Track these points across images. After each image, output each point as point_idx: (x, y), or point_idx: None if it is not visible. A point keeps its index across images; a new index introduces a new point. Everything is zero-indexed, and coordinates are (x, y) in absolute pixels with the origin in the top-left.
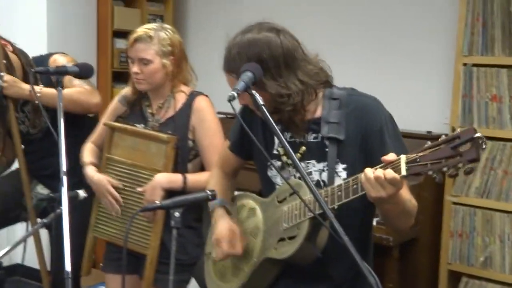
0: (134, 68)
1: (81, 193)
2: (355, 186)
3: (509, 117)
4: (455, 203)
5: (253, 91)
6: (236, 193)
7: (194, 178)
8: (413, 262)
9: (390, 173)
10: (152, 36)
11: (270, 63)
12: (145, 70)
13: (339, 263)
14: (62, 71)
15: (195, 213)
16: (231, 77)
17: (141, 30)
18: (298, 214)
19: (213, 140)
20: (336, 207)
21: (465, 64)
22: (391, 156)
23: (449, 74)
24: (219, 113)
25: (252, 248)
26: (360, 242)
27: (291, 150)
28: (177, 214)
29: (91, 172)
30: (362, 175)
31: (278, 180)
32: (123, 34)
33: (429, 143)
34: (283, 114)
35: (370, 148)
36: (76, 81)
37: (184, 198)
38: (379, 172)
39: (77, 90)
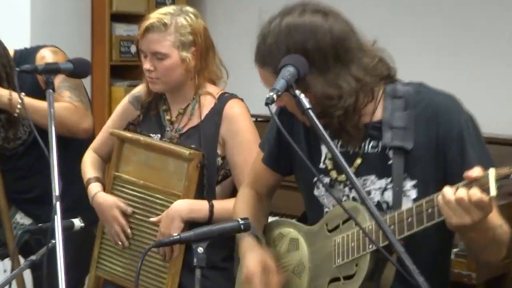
0: (147, 65)
1: (77, 222)
2: (430, 211)
3: None
4: None
5: (297, 91)
6: (270, 219)
7: (223, 206)
8: None
9: (476, 194)
10: (167, 24)
11: (315, 55)
12: (160, 66)
13: None
14: (53, 69)
15: (224, 249)
16: (265, 72)
17: (154, 16)
18: (356, 247)
19: (249, 156)
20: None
21: None
22: (476, 171)
23: None
24: None
25: None
26: (434, 281)
27: (344, 162)
28: (200, 249)
29: (96, 191)
30: (439, 197)
31: (328, 201)
32: (123, 17)
33: None
34: (332, 120)
35: (447, 159)
36: (66, 93)
37: (209, 229)
38: (462, 192)
39: (64, 106)
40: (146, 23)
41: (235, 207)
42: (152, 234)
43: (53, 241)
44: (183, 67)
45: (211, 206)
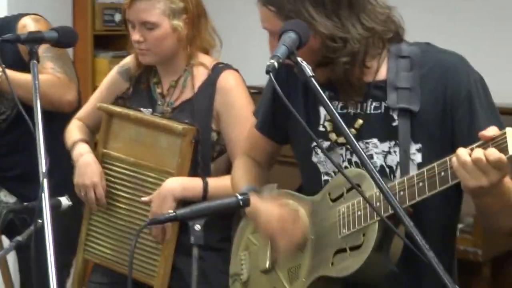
0: (136, 36)
1: (64, 200)
2: (443, 174)
3: None
4: None
5: (299, 59)
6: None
7: (218, 183)
8: (509, 282)
9: (494, 153)
10: None
11: None
12: (150, 36)
13: (417, 280)
14: (37, 38)
15: (221, 230)
16: (267, 11)
17: None
18: (363, 216)
19: (245, 130)
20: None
21: None
22: (492, 131)
23: None
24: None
25: (298, 264)
26: (440, 257)
27: (343, 124)
28: (197, 227)
29: (86, 150)
30: (453, 159)
31: (329, 166)
32: None
33: None
34: (336, 68)
35: (455, 120)
36: (49, 64)
37: (206, 205)
38: (479, 153)
39: (46, 78)
40: None
41: (233, 176)
42: (144, 214)
43: (40, 221)
44: (174, 37)
45: (205, 184)
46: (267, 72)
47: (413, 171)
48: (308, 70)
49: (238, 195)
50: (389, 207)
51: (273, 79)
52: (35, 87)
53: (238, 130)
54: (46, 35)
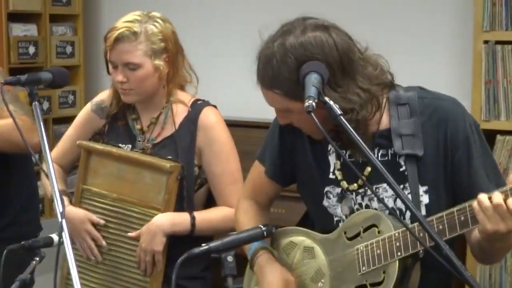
0: (119, 76)
1: (55, 237)
2: (462, 218)
3: None
4: None
5: (326, 98)
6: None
7: (204, 217)
8: None
9: None
10: (137, 32)
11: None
12: (133, 77)
13: None
14: (35, 80)
15: (203, 261)
16: (273, 94)
17: (121, 25)
18: (383, 254)
19: (227, 166)
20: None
21: (486, 42)
22: None
23: (466, 55)
24: None
25: None
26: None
27: (381, 166)
28: (230, 258)
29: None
30: (475, 203)
31: (339, 211)
32: (20, 17)
33: None
34: (344, 133)
35: (454, 163)
36: (9, 107)
37: (235, 237)
38: (499, 198)
39: (11, 123)
40: (115, 33)
41: (238, 220)
42: (128, 248)
43: (36, 259)
44: (156, 76)
45: (193, 219)
46: (308, 113)
47: (422, 212)
48: (336, 109)
49: (261, 226)
50: (410, 245)
51: (315, 118)
52: (40, 127)
53: (220, 166)
54: (43, 77)
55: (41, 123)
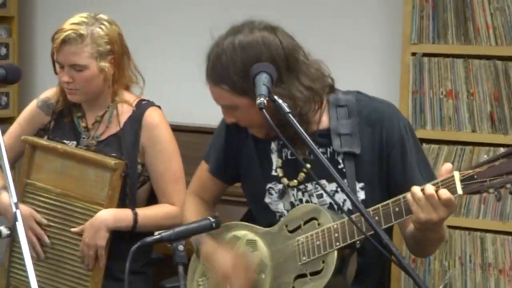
0: (65, 77)
1: (4, 230)
2: (397, 209)
3: (468, 116)
4: None
5: (275, 97)
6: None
7: (146, 213)
8: None
9: (445, 193)
10: (83, 35)
11: None
12: (79, 77)
13: None
14: None
15: (144, 256)
16: (220, 89)
17: (68, 27)
18: (322, 245)
19: (169, 165)
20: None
21: (414, 54)
22: (445, 173)
23: (395, 66)
24: None
25: (257, 286)
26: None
27: (325, 160)
28: (181, 247)
29: (6, 200)
30: (408, 195)
31: (280, 207)
32: None
33: (485, 157)
34: (287, 129)
35: (389, 160)
36: None
37: (185, 228)
38: (431, 190)
39: None
40: (62, 35)
41: (185, 214)
42: (72, 242)
43: None
44: (101, 77)
45: (135, 215)
46: (260, 109)
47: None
48: (285, 107)
49: (210, 218)
50: (348, 236)
51: (266, 114)
52: None
53: (163, 165)
54: None
55: None
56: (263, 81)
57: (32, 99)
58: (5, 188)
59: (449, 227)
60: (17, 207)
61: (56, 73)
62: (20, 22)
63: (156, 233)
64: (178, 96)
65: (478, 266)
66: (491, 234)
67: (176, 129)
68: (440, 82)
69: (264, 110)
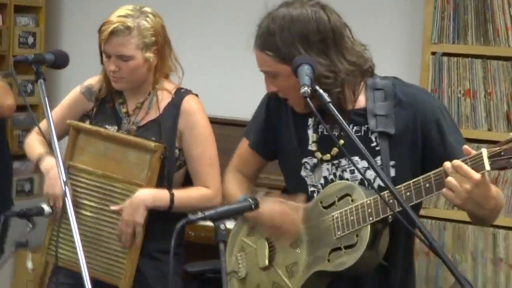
0: (112, 66)
1: (46, 208)
2: (427, 185)
3: (484, 115)
4: (421, 216)
5: (317, 87)
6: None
7: (182, 195)
8: None
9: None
10: (131, 27)
11: (316, 37)
12: (125, 67)
13: (392, 271)
14: (41, 60)
15: (177, 237)
16: (264, 55)
17: (116, 20)
18: (356, 220)
19: (205, 149)
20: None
21: (434, 53)
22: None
23: (415, 65)
24: None
25: (295, 261)
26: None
27: (357, 140)
28: (223, 226)
29: (52, 162)
30: (445, 166)
31: (315, 180)
32: None
33: (511, 135)
34: (332, 97)
35: (427, 141)
36: None
37: (227, 208)
38: (458, 162)
39: None
40: (110, 27)
41: (228, 190)
42: (110, 221)
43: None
44: (146, 66)
45: (172, 195)
46: (305, 98)
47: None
48: (326, 96)
49: (250, 199)
50: (380, 211)
51: (310, 103)
52: (45, 102)
53: (199, 149)
54: (47, 57)
55: (46, 99)
56: (305, 72)
57: (57, 88)
58: (49, 154)
59: (462, 222)
60: (66, 184)
61: (102, 63)
62: (48, 12)
63: (200, 212)
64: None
65: (490, 261)
66: (503, 230)
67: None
68: (459, 81)
69: (308, 99)
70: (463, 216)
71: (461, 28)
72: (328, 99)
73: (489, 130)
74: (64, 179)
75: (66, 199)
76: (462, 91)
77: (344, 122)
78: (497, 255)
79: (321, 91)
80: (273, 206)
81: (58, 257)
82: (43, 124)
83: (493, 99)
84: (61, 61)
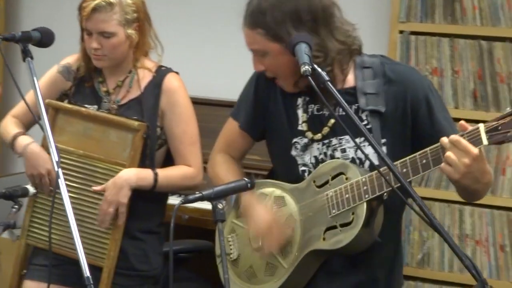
0: (93, 44)
1: (31, 189)
2: (424, 161)
3: (451, 93)
4: None
5: (315, 66)
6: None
7: (165, 174)
8: None
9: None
10: (113, 3)
11: (307, 16)
12: (107, 44)
13: (385, 247)
14: (27, 37)
15: (159, 217)
16: (255, 33)
17: None
18: (351, 198)
19: (187, 127)
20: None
21: (401, 32)
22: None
23: (383, 43)
24: None
25: (289, 241)
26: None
27: (356, 119)
28: (220, 205)
29: (30, 141)
30: (443, 141)
31: (306, 159)
32: None
33: (508, 109)
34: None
35: (417, 118)
36: None
37: (224, 188)
38: (456, 137)
39: None
40: (92, 3)
41: (217, 172)
42: (92, 202)
43: (16, 207)
44: (127, 43)
45: (155, 175)
46: (307, 76)
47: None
48: (324, 75)
49: (245, 179)
50: (376, 188)
51: (311, 80)
52: (34, 83)
53: (181, 127)
54: (33, 35)
55: (35, 78)
56: (304, 50)
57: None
58: (24, 134)
59: (429, 199)
60: (58, 166)
61: (82, 40)
62: None
63: (197, 192)
64: (199, 70)
65: (456, 237)
66: (469, 206)
67: (197, 102)
68: (426, 59)
69: (310, 78)
70: (430, 193)
71: (429, 7)
72: (326, 77)
73: (456, 108)
74: (57, 159)
75: (58, 180)
76: (430, 70)
77: (342, 100)
78: (463, 231)
79: (319, 69)
80: (263, 214)
81: (39, 240)
82: (17, 108)
83: (460, 77)
84: (47, 38)
